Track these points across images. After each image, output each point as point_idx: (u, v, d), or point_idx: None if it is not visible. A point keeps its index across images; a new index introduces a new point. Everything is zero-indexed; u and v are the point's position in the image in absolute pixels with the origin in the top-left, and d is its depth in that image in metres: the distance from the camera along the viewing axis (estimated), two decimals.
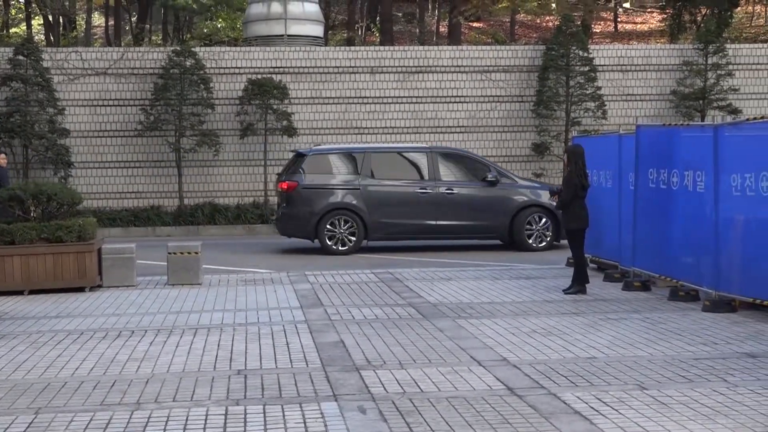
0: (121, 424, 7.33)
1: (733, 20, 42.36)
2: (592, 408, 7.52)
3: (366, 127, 27.17)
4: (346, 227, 19.61)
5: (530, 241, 19.79)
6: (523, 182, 20.86)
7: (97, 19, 47.21)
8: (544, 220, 19.69)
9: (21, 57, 25.32)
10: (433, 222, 19.80)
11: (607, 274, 15.00)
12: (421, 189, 19.86)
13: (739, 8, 44.46)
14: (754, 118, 12.19)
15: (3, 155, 21.17)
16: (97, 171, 26.51)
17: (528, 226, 19.80)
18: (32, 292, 14.41)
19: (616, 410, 7.45)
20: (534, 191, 20.09)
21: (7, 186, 16.98)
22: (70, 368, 9.34)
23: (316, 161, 20.04)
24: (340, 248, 19.54)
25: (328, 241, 19.58)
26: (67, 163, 25.40)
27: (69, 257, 14.53)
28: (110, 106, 26.57)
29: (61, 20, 39.75)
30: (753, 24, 46.72)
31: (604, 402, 7.69)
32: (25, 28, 43.70)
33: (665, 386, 8.18)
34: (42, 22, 42.99)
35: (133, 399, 8.07)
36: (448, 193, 19.80)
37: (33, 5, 41.08)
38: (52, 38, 39.68)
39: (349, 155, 20.35)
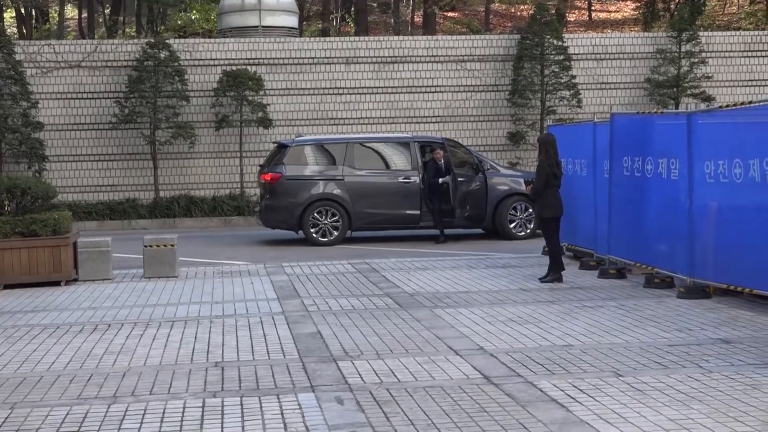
0: (98, 417, 7.31)
1: (706, 8, 42.54)
2: (569, 395, 7.55)
3: (342, 118, 27.15)
4: (330, 218, 19.59)
5: (513, 230, 19.86)
6: (506, 171, 20.94)
7: (70, 11, 46.89)
8: (526, 208, 19.74)
9: None
10: (417, 212, 19.82)
11: (583, 262, 15.05)
12: (404, 179, 19.87)
13: None
14: (727, 106, 12.23)
15: None
16: (72, 164, 26.38)
17: (512, 213, 19.87)
18: (7, 286, 14.32)
19: (593, 397, 7.49)
20: (516, 180, 20.16)
21: None
22: (46, 362, 9.30)
23: (299, 152, 19.99)
24: (324, 239, 19.52)
25: (312, 232, 19.55)
26: (42, 157, 25.24)
27: (44, 251, 14.45)
28: (84, 99, 26.43)
29: (33, 12, 39.47)
30: (726, 11, 46.91)
31: (580, 389, 7.72)
32: None
33: (641, 373, 8.22)
34: (14, 14, 42.66)
35: (110, 392, 8.05)
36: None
37: None
38: (24, 31, 39.38)
39: (332, 146, 20.34)
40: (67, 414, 7.42)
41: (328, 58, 27.25)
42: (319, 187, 19.73)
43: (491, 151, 26.83)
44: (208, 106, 26.26)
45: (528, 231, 19.79)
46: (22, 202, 15.00)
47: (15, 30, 41.93)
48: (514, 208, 19.92)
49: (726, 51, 28.56)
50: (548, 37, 27.10)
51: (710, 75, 27.97)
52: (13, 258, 14.36)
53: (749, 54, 28.64)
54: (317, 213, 19.58)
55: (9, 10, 43.06)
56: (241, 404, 7.54)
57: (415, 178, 19.78)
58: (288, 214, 19.58)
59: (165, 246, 15.22)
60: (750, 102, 11.80)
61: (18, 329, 11.09)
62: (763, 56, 28.65)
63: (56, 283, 14.51)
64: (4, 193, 14.90)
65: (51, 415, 7.40)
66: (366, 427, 6.89)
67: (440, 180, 19.46)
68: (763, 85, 28.33)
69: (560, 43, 27.18)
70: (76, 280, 14.89)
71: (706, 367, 8.38)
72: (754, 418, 6.86)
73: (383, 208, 19.81)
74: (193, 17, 41.04)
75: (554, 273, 13.72)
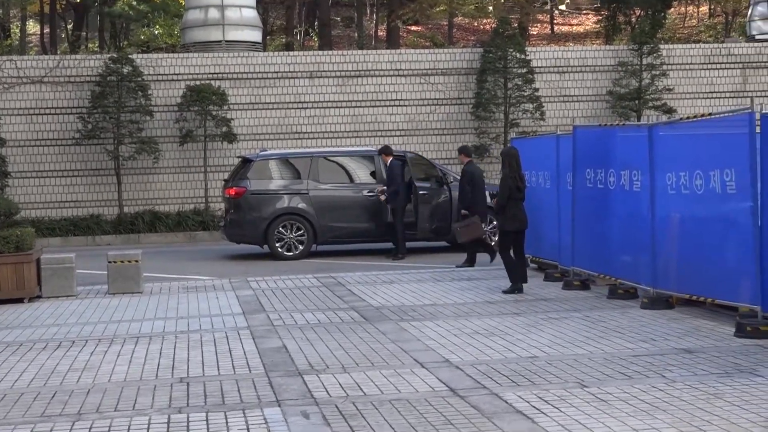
0: None
1: (667, 21, 42.93)
2: (534, 407, 7.57)
3: (306, 132, 27.12)
4: (295, 232, 19.54)
5: None
6: None
7: (32, 26, 46.60)
8: (491, 221, 19.73)
9: None
10: (382, 224, 19.83)
11: (548, 274, 15.11)
12: (369, 192, 19.86)
13: (672, 9, 45.07)
14: (688, 118, 12.35)
15: None
16: (35, 180, 26.18)
17: None
18: None
19: (558, 408, 7.51)
20: None
21: None
22: (9, 380, 9.21)
23: (264, 167, 19.94)
24: (289, 253, 19.47)
25: (278, 246, 19.50)
26: (4, 173, 25.03)
27: (7, 268, 14.31)
28: (47, 114, 26.25)
29: None
30: (686, 25, 47.39)
31: (545, 401, 7.74)
32: None
33: (605, 383, 8.26)
34: None
35: (75, 410, 7.98)
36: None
37: None
38: None
39: (297, 160, 20.33)
40: None
41: (291, 72, 27.23)
42: (284, 202, 19.68)
43: (456, 164, 26.87)
44: (172, 121, 26.15)
45: (493, 244, 19.79)
46: None
47: None
48: None
49: (686, 63, 28.82)
50: (511, 50, 27.21)
51: (671, 87, 28.20)
52: None
53: (709, 66, 28.91)
54: (282, 227, 19.53)
55: None
56: (207, 420, 7.50)
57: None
58: (253, 228, 19.51)
59: (129, 262, 15.13)
60: (710, 114, 11.92)
61: None
62: (723, 68, 28.93)
63: (19, 300, 14.37)
64: None
65: None
66: None
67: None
68: (724, 97, 28.60)
69: (523, 57, 27.31)
70: (39, 296, 14.77)
71: (669, 377, 8.44)
72: (717, 427, 6.90)
73: (348, 222, 19.81)
74: (156, 32, 40.93)
75: (516, 285, 13.78)
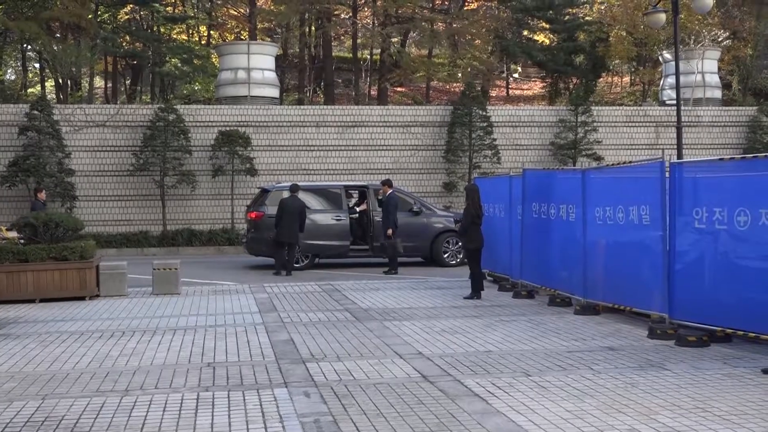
0: (112, 407, 7.17)
1: (597, 87, 43.13)
2: (488, 391, 7.53)
3: (312, 169, 27.10)
4: None
5: (446, 259, 19.89)
6: (441, 212, 20.92)
7: (98, 81, 46.51)
8: (456, 242, 19.73)
9: (36, 112, 24.90)
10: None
11: (501, 285, 15.07)
12: (350, 213, 19.92)
13: (601, 78, 45.25)
14: (613, 164, 12.38)
15: (43, 191, 20.74)
16: (97, 203, 26.07)
17: (445, 246, 19.90)
18: (42, 300, 14.08)
19: (507, 393, 7.47)
20: (449, 219, 20.20)
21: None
22: (71, 362, 9.13)
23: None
24: (297, 264, 19.34)
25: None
26: (72, 197, 24.99)
27: (72, 272, 14.24)
28: (108, 151, 26.17)
29: (69, 82, 39.11)
30: (612, 91, 47.60)
31: (497, 386, 7.70)
32: (39, 88, 42.93)
33: (545, 373, 8.22)
34: (53, 83, 42.26)
35: (123, 387, 7.91)
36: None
37: (46, 70, 40.41)
38: (61, 96, 38.96)
39: (311, 191, 20.14)
40: (88, 404, 7.28)
41: (302, 121, 27.24)
42: None
43: (430, 197, 26.91)
44: (206, 158, 26.10)
45: (458, 260, 19.80)
46: (55, 233, 14.79)
47: (54, 96, 41.51)
48: (447, 242, 19.96)
49: (612, 121, 28.94)
50: (475, 108, 27.30)
51: (600, 140, 28.31)
52: (48, 278, 14.13)
53: (630, 124, 29.03)
54: None
55: (49, 80, 42.69)
56: (228, 397, 7.44)
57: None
58: (269, 244, 19.42)
59: (170, 269, 15.05)
60: (630, 162, 11.95)
61: (50, 335, 10.88)
62: (641, 126, 29.06)
63: (82, 298, 14.29)
64: (42, 226, 14.68)
65: (74, 405, 7.26)
66: (327, 415, 6.82)
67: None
68: (641, 149, 28.71)
69: (484, 113, 27.39)
70: (98, 296, 14.67)
71: (596, 369, 8.40)
72: (633, 410, 6.88)
73: (327, 240, 19.58)
74: (196, 88, 40.88)
75: (475, 292, 13.75)
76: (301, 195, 18.76)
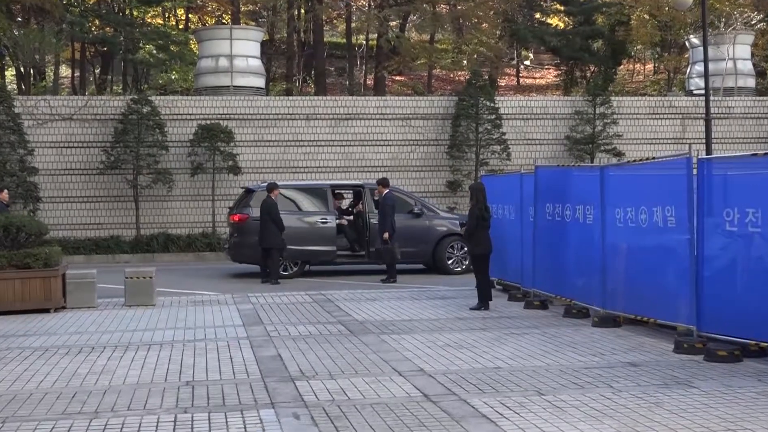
0: (80, 431, 7.16)
1: (617, 76, 43.20)
2: (497, 412, 7.53)
3: (302, 167, 27.11)
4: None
5: (451, 266, 19.89)
6: (445, 214, 20.94)
7: (65, 70, 46.49)
8: (461, 247, 19.72)
9: None
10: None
11: (511, 295, 15.09)
12: (321, 220, 19.78)
13: (622, 66, 45.32)
14: (635, 161, 12.40)
15: (5, 191, 20.65)
16: (63, 205, 26.06)
17: (449, 251, 19.92)
18: (2, 313, 14.03)
19: (518, 413, 7.47)
20: (453, 222, 20.19)
21: None
22: (35, 381, 9.11)
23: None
24: (285, 272, 19.34)
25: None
26: (36, 198, 24.98)
27: (36, 282, 14.23)
28: (75, 147, 26.17)
29: (31, 71, 39.09)
30: (634, 80, 47.68)
31: (507, 406, 7.70)
32: None
33: (559, 392, 8.22)
34: (14, 72, 42.24)
35: (92, 408, 7.90)
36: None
37: (6, 58, 40.41)
38: (23, 87, 38.96)
39: (293, 190, 20.18)
40: (53, 428, 7.27)
41: (290, 114, 27.25)
42: None
43: (432, 197, 26.92)
44: (184, 155, 26.10)
45: (463, 267, 19.78)
46: (17, 238, 14.77)
47: (15, 86, 41.49)
48: (452, 247, 19.97)
49: (634, 113, 28.98)
50: (482, 99, 27.32)
51: (620, 134, 28.33)
52: (8, 287, 14.12)
53: (653, 116, 29.08)
54: None
55: (10, 68, 42.66)
56: (209, 419, 7.43)
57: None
58: (253, 250, 19.36)
59: (144, 278, 15.04)
60: (654, 158, 11.96)
61: (11, 351, 10.87)
62: (665, 118, 29.11)
63: (46, 310, 14.27)
64: (1, 230, 14.66)
65: (38, 429, 7.25)
66: None
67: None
68: (665, 143, 28.76)
69: (492, 105, 27.40)
70: (64, 307, 14.65)
71: (616, 387, 8.41)
72: None
73: (306, 245, 19.56)
74: (173, 77, 40.86)
75: (482, 303, 13.75)
76: (282, 195, 18.93)
